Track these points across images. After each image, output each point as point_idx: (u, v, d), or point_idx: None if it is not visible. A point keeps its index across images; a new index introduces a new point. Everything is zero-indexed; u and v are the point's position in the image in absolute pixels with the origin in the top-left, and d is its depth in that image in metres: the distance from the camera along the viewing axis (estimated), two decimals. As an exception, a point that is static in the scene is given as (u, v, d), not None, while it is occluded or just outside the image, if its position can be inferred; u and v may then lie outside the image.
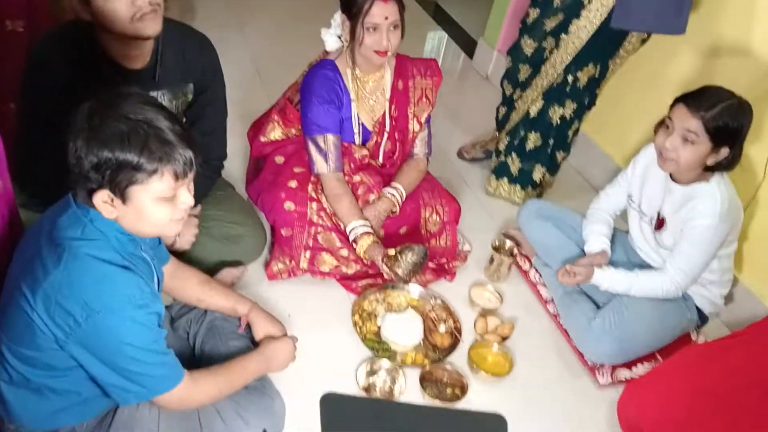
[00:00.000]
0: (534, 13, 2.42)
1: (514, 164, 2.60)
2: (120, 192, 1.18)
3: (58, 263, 1.20)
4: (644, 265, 2.13)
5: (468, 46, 3.96)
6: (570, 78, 2.41)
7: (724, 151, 1.82)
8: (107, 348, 1.24)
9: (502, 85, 2.67)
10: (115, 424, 1.39)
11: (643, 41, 2.43)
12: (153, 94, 1.72)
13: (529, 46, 2.46)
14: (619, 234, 2.24)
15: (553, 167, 2.66)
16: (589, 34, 2.29)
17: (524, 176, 2.61)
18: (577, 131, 2.61)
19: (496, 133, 2.78)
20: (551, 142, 2.54)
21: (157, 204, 1.21)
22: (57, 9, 2.04)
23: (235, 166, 2.38)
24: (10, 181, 1.50)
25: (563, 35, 2.32)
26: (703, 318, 2.12)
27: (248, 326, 1.70)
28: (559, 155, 2.64)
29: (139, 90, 1.25)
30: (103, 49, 1.60)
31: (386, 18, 1.87)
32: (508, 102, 2.64)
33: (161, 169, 1.18)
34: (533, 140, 2.54)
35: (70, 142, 1.17)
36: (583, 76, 2.41)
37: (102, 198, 1.19)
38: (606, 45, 2.37)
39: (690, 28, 2.20)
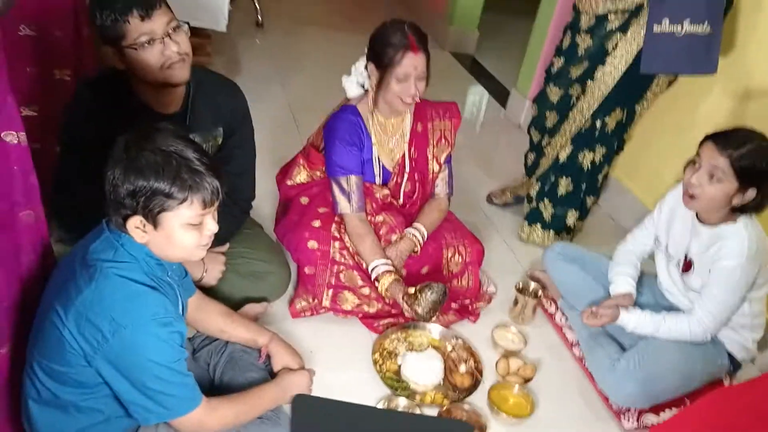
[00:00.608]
0: (559, 62, 2.48)
1: (547, 210, 2.62)
2: (152, 218, 1.28)
3: (89, 282, 1.29)
4: (673, 309, 2.08)
5: (501, 96, 4.04)
6: (598, 123, 2.44)
7: (751, 193, 1.80)
8: (131, 363, 1.30)
9: (529, 132, 2.72)
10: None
11: (670, 83, 2.46)
12: None
13: (555, 93, 2.51)
14: (647, 278, 2.21)
15: (583, 212, 2.67)
16: (615, 80, 2.34)
17: (557, 221, 2.61)
18: (606, 176, 2.63)
19: (525, 178, 2.81)
20: (583, 186, 2.56)
21: (185, 230, 1.31)
22: (103, 58, 2.22)
23: (266, 207, 2.47)
24: (49, 216, 1.63)
25: (589, 82, 2.37)
26: (735, 364, 2.06)
27: (268, 357, 1.74)
28: (590, 200, 2.65)
29: (170, 125, 1.35)
30: (137, 96, 1.73)
31: (415, 68, 1.96)
32: (536, 148, 2.68)
33: (191, 197, 1.27)
34: (564, 186, 2.56)
35: (108, 171, 1.27)
36: (611, 121, 2.44)
37: (135, 223, 1.29)
38: (632, 89, 2.41)
39: (721, 69, 2.22)
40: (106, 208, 1.32)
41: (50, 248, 1.53)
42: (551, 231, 2.63)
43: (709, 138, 1.82)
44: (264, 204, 2.45)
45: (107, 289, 1.28)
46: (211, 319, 1.70)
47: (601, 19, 2.30)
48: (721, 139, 1.79)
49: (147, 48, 1.59)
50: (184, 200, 1.27)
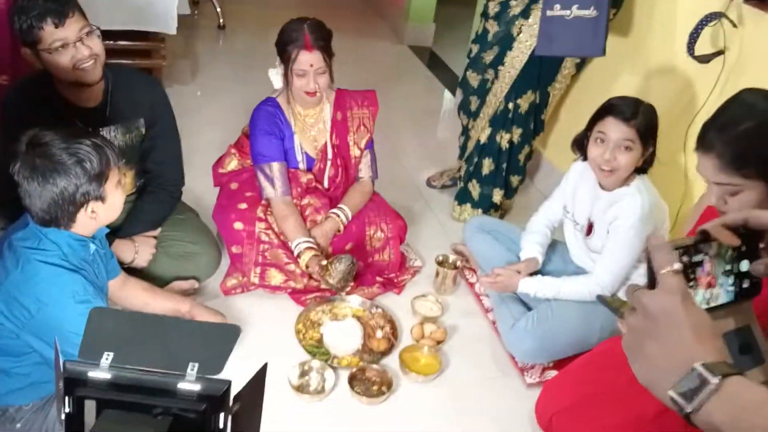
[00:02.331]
0: (475, 48, 2.64)
1: (475, 189, 2.78)
2: (101, 197, 1.49)
3: (16, 266, 1.47)
4: (578, 272, 2.23)
5: (455, 87, 4.18)
6: (511, 105, 2.60)
7: (649, 150, 1.95)
8: (56, 336, 1.47)
9: (459, 115, 2.87)
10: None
11: (578, 66, 2.60)
12: (106, 129, 2.00)
13: (474, 78, 2.68)
14: (558, 245, 2.36)
15: (509, 191, 2.82)
16: (522, 63, 2.50)
17: (484, 200, 2.77)
18: (529, 155, 2.77)
19: (460, 161, 2.97)
20: (504, 166, 2.71)
21: (117, 188, 1.53)
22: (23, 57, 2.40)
23: (209, 197, 2.63)
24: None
25: (500, 67, 2.53)
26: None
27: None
28: (514, 179, 2.79)
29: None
30: (60, 93, 1.90)
31: (311, 65, 2.12)
32: (465, 131, 2.83)
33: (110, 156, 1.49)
34: (487, 166, 2.72)
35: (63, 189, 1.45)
36: (523, 103, 2.60)
37: (88, 213, 1.49)
38: (542, 72, 2.56)
39: (624, 51, 2.35)
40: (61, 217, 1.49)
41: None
42: (480, 209, 2.79)
43: (605, 113, 1.94)
44: (207, 195, 2.62)
45: (31, 272, 1.46)
46: (135, 294, 1.88)
47: (504, 5, 2.46)
48: (617, 111, 1.92)
49: (60, 51, 1.76)
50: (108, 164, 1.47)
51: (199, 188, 2.60)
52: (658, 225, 2.07)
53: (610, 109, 1.96)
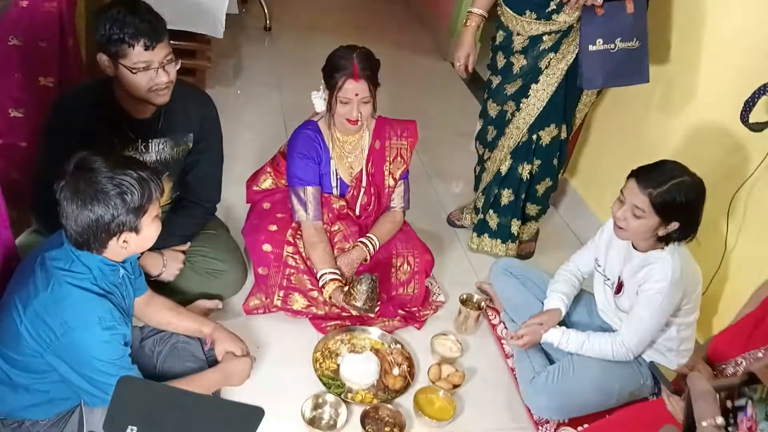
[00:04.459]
0: (496, 80, 2.62)
1: (492, 220, 2.75)
2: (136, 228, 1.50)
3: (46, 286, 1.48)
4: (605, 327, 2.20)
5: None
6: (534, 137, 2.59)
7: (674, 225, 1.91)
8: (79, 359, 1.50)
9: (475, 145, 2.85)
10: (71, 421, 1.64)
11: (598, 93, 2.62)
12: (156, 141, 2.03)
13: (493, 109, 2.66)
14: (585, 295, 2.32)
15: (526, 218, 2.80)
16: (549, 96, 2.49)
17: (503, 230, 2.75)
18: (551, 188, 2.75)
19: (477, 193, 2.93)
20: (522, 196, 2.70)
21: (154, 222, 1.55)
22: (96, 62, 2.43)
23: (239, 209, 2.64)
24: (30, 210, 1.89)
25: (524, 99, 2.52)
26: (660, 385, 2.16)
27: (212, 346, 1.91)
28: (532, 208, 2.78)
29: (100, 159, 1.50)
30: (117, 100, 1.92)
31: (356, 94, 2.11)
32: (481, 162, 2.81)
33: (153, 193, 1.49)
34: (506, 196, 2.70)
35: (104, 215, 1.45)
36: (545, 136, 2.59)
37: (120, 243, 1.49)
38: (564, 105, 2.56)
39: (665, 83, 2.38)
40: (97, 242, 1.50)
41: (11, 238, 1.71)
42: (498, 240, 2.77)
43: (632, 175, 1.93)
44: (238, 206, 2.63)
45: (61, 295, 1.47)
46: (159, 312, 1.88)
47: (535, 41, 2.42)
48: (643, 176, 1.89)
49: (142, 72, 1.79)
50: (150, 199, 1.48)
51: (231, 198, 2.61)
52: (689, 292, 2.03)
53: (638, 170, 1.93)
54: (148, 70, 1.79)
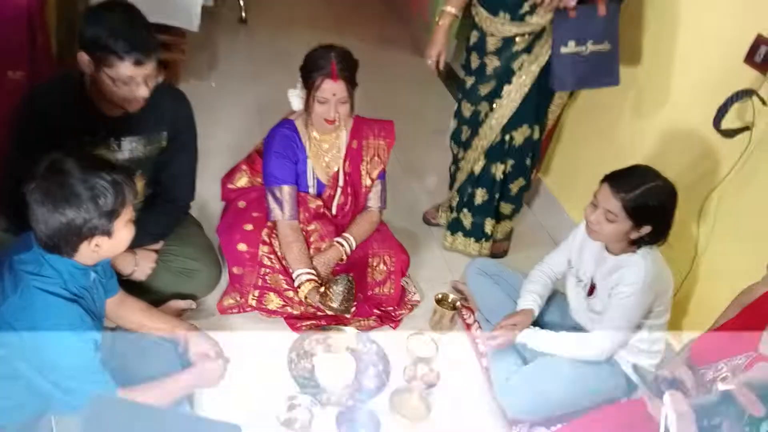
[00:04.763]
0: (470, 81, 2.62)
1: (466, 219, 2.77)
2: (108, 232, 1.46)
3: (15, 291, 1.44)
4: (577, 328, 2.22)
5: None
6: (507, 137, 2.60)
7: (646, 228, 1.93)
8: (49, 365, 1.47)
9: (450, 145, 2.86)
10: (39, 427, 1.60)
11: (571, 94, 2.65)
12: (129, 138, 1.98)
13: (467, 109, 2.67)
14: (558, 296, 2.34)
15: (498, 217, 2.83)
16: (522, 96, 2.51)
17: (476, 229, 2.77)
18: (526, 187, 2.78)
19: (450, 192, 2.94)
20: (497, 196, 2.72)
21: (126, 225, 1.51)
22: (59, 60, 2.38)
23: (214, 206, 2.61)
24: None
25: (496, 99, 2.53)
26: (633, 385, 2.19)
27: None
28: (506, 207, 2.80)
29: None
30: (90, 99, 1.87)
31: (334, 94, 2.10)
32: (456, 161, 2.82)
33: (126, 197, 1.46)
34: (480, 196, 2.72)
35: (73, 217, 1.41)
36: (518, 136, 2.61)
37: (91, 247, 1.45)
38: (538, 106, 2.58)
39: (639, 83, 2.41)
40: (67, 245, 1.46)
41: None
42: (471, 239, 2.79)
43: (605, 180, 1.94)
44: (212, 202, 2.60)
45: (29, 300, 1.44)
46: (132, 314, 1.86)
47: (509, 42, 2.43)
48: (616, 181, 1.91)
49: (124, 82, 1.74)
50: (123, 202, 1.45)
51: (206, 194, 2.57)
52: (661, 294, 2.06)
53: (610, 176, 1.95)
54: (130, 82, 1.75)
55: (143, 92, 1.78)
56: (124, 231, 1.50)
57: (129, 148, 1.98)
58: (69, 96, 1.86)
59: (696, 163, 2.33)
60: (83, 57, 1.75)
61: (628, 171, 1.95)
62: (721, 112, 2.02)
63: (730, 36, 2.20)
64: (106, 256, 1.54)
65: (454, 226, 2.81)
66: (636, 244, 1.99)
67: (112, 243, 1.48)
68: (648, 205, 1.89)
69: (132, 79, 1.74)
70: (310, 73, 2.10)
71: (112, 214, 1.43)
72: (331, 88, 2.08)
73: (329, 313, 2.19)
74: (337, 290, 2.07)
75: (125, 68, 1.71)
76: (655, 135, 2.56)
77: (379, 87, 3.88)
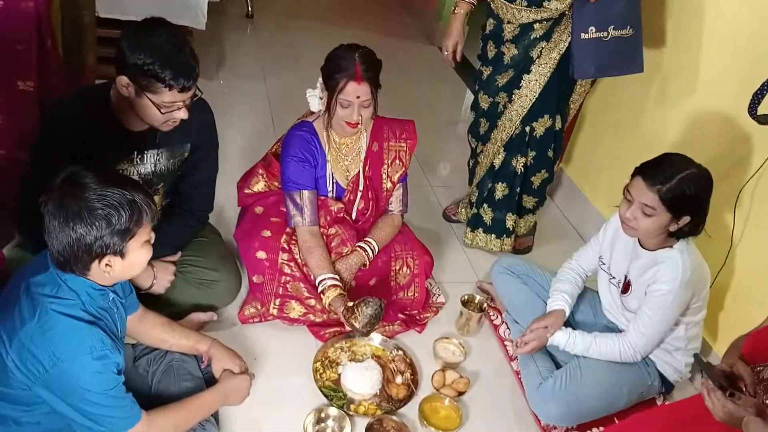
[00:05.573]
0: (487, 71, 2.53)
1: (487, 215, 2.69)
2: (120, 252, 1.39)
3: (32, 316, 1.38)
4: (610, 327, 2.16)
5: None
6: (528, 129, 2.52)
7: (685, 219, 1.85)
8: (70, 392, 1.41)
9: (468, 138, 2.77)
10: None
11: (593, 82, 2.56)
12: (152, 152, 1.94)
13: (485, 101, 2.58)
14: (588, 293, 2.27)
15: (521, 212, 2.74)
16: (541, 86, 2.42)
17: (497, 225, 2.69)
18: (548, 179, 2.69)
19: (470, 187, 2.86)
20: (518, 190, 2.63)
21: (143, 247, 1.44)
22: (71, 71, 2.31)
23: (230, 210, 2.54)
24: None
25: (515, 90, 2.44)
26: (668, 385, 2.12)
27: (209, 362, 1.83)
28: (528, 200, 2.71)
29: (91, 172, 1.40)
30: (114, 114, 1.82)
31: (358, 97, 2.01)
32: (474, 155, 2.74)
33: (144, 218, 1.40)
34: (501, 190, 2.64)
35: (62, 229, 1.34)
36: (539, 127, 2.52)
37: (101, 266, 1.39)
38: (559, 96, 2.49)
39: (663, 70, 2.32)
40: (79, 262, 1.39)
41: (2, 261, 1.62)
42: (492, 235, 2.71)
43: (638, 173, 1.86)
44: (229, 206, 2.53)
45: (47, 324, 1.37)
46: (153, 330, 1.80)
47: (526, 29, 2.34)
48: (649, 173, 1.83)
49: (164, 108, 1.71)
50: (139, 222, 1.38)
51: (222, 198, 2.49)
52: (699, 290, 1.98)
53: (641, 169, 1.87)
54: (170, 107, 1.72)
55: (183, 115, 1.75)
56: (139, 253, 1.43)
57: (152, 162, 1.94)
58: (89, 112, 1.81)
59: (729, 152, 2.24)
60: (123, 80, 1.70)
61: (660, 161, 1.86)
62: (757, 97, 1.92)
63: (764, 17, 2.10)
64: (119, 278, 1.47)
65: (475, 223, 2.73)
66: (675, 236, 1.91)
67: (125, 264, 1.41)
68: (685, 194, 1.81)
69: (174, 103, 1.71)
70: (332, 75, 2.01)
71: (126, 234, 1.36)
72: (355, 91, 2.00)
73: (347, 328, 2.11)
74: (366, 312, 1.99)
75: (171, 96, 1.69)
76: (683, 123, 2.47)
77: (389, 78, 3.75)
